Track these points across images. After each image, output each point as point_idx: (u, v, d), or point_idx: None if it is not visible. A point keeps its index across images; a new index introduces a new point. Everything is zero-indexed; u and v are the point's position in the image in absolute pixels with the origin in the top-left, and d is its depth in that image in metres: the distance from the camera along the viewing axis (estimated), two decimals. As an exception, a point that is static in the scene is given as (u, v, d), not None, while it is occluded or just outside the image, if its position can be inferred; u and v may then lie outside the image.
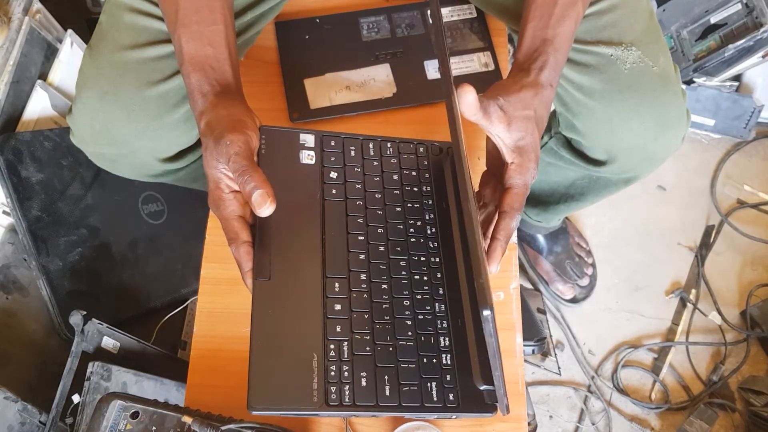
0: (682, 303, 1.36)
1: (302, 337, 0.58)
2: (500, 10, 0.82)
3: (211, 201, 0.59)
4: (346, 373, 0.58)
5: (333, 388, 0.57)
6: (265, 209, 0.55)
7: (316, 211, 0.65)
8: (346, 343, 0.59)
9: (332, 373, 0.58)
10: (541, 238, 1.32)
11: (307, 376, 0.57)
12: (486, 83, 0.86)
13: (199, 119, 0.60)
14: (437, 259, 0.66)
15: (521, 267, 1.36)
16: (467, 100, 0.57)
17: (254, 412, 0.54)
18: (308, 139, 0.69)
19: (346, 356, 0.58)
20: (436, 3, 0.61)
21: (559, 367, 1.28)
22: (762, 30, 1.32)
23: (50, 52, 1.04)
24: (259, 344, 0.57)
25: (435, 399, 0.60)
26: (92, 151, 0.77)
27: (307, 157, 0.68)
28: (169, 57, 0.70)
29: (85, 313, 0.87)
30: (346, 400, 0.57)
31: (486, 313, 0.47)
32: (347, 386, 0.58)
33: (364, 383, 0.58)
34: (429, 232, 0.67)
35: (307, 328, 0.59)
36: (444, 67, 0.58)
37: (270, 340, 0.57)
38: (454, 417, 0.61)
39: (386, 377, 0.59)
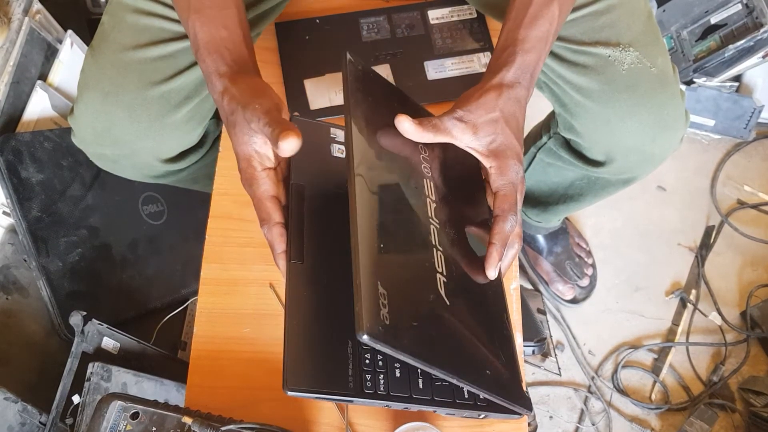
0: (682, 303, 1.36)
1: (336, 322, 0.57)
2: (497, 12, 0.82)
3: (243, 180, 0.58)
4: (380, 362, 0.57)
5: (368, 376, 0.56)
6: (288, 142, 0.52)
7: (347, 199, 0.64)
8: None
9: (367, 362, 0.57)
10: (541, 239, 1.32)
11: (342, 362, 0.56)
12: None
13: (221, 99, 0.59)
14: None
15: (521, 267, 1.36)
16: (404, 128, 0.57)
17: (290, 393, 0.52)
18: (339, 134, 0.68)
19: None
20: (346, 62, 0.59)
21: (559, 368, 1.28)
22: (762, 30, 1.32)
23: (50, 53, 1.04)
24: (294, 327, 0.55)
25: (466, 396, 0.59)
26: (93, 152, 0.77)
27: (338, 151, 0.67)
28: (171, 57, 0.71)
29: (85, 313, 0.87)
30: (381, 389, 0.56)
31: (364, 338, 0.46)
32: (381, 375, 0.57)
33: (398, 374, 0.57)
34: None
35: (341, 313, 0.57)
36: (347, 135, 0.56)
37: (304, 323, 0.56)
38: (482, 416, 0.60)
39: (419, 370, 0.58)
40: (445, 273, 0.56)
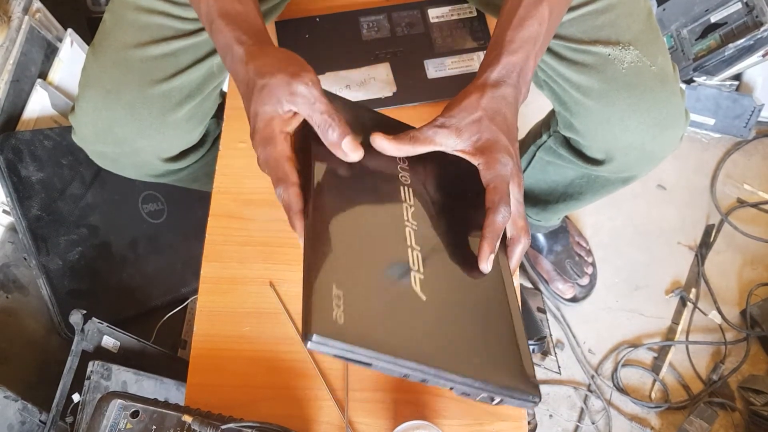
0: (682, 302, 1.36)
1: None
2: (497, 10, 0.82)
3: (259, 139, 0.56)
4: None
5: None
6: (356, 154, 0.55)
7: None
8: None
9: None
10: (541, 237, 1.32)
11: None
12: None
13: (244, 65, 0.57)
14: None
15: (521, 266, 1.36)
16: (381, 146, 0.58)
17: (311, 344, 0.48)
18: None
19: None
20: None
21: (559, 367, 1.28)
22: (762, 29, 1.32)
23: (50, 51, 1.04)
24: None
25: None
26: (94, 150, 0.77)
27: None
28: (172, 55, 0.70)
29: (85, 312, 0.87)
30: None
31: (314, 337, 0.46)
32: None
33: None
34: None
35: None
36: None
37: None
38: (496, 402, 0.58)
39: None
40: (422, 270, 0.56)
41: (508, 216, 0.57)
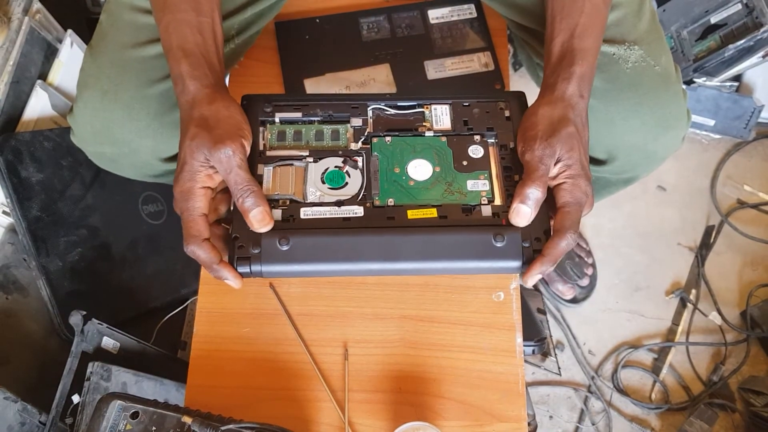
0: (683, 303, 1.36)
1: None
2: (507, 3, 0.81)
3: (180, 190, 0.58)
4: None
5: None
6: (265, 227, 0.58)
7: None
8: None
9: None
10: (541, 239, 1.32)
11: None
12: (486, 83, 0.87)
13: (190, 106, 0.59)
14: None
15: (521, 267, 1.36)
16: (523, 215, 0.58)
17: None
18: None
19: None
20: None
21: (559, 368, 1.28)
22: (762, 30, 1.32)
23: (50, 52, 1.04)
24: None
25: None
26: (93, 151, 0.77)
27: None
28: None
29: (84, 313, 0.87)
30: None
31: None
32: None
33: None
34: None
35: None
36: None
37: None
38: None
39: None
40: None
41: (573, 245, 0.57)
